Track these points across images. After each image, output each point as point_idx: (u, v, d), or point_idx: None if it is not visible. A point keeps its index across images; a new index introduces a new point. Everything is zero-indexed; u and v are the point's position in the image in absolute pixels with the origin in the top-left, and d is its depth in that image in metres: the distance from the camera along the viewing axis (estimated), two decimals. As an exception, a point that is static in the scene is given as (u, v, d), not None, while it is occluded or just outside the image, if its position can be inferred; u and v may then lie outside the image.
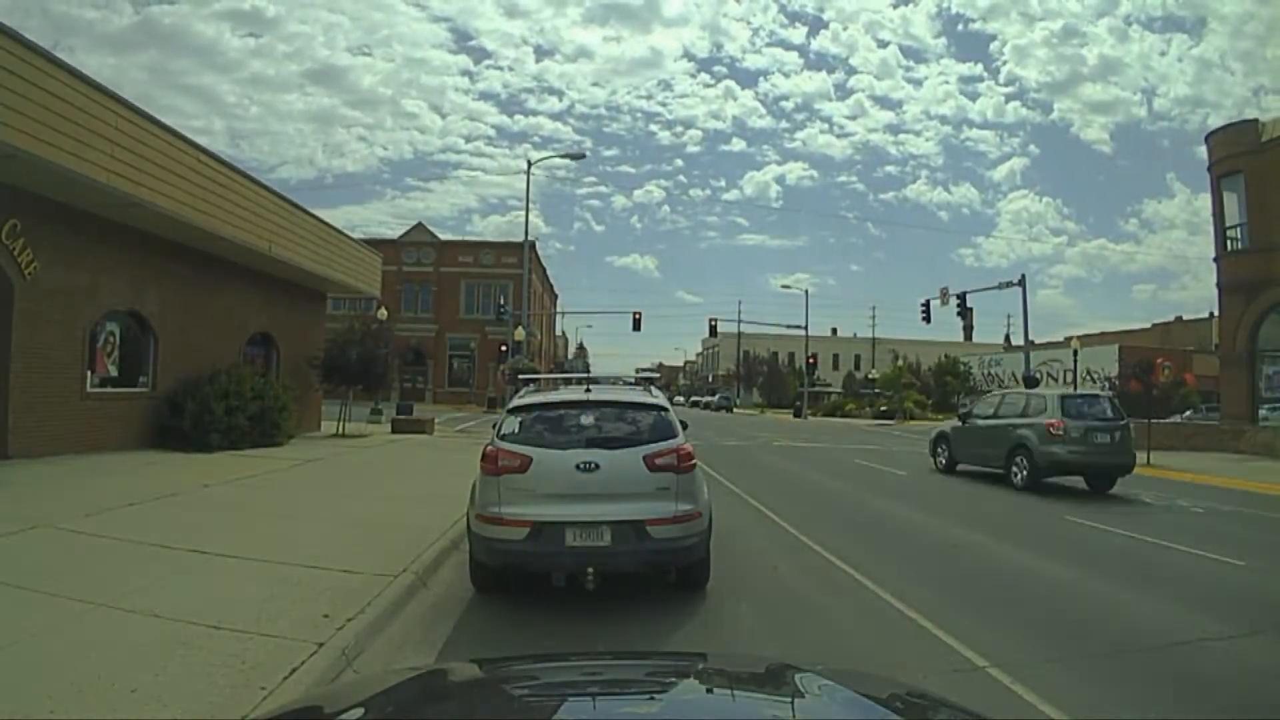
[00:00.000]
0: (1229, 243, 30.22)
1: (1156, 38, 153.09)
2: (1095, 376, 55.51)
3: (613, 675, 2.31)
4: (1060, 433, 16.29)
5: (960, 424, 20.35)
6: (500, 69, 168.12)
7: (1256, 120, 29.74)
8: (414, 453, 19.65)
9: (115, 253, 15.33)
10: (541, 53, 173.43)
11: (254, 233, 17.96)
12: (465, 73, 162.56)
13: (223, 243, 17.30)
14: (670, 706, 2.01)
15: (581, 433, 7.09)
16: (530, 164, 32.43)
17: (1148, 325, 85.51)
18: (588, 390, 7.74)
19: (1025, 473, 16.72)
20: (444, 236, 65.82)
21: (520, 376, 12.58)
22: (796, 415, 61.51)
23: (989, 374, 75.26)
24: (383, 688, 1.99)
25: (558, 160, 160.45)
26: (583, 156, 31.90)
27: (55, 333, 14.01)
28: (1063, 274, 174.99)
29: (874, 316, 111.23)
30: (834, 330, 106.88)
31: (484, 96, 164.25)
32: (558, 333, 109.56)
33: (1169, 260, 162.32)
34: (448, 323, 62.18)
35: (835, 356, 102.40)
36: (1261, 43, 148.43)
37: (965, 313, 39.92)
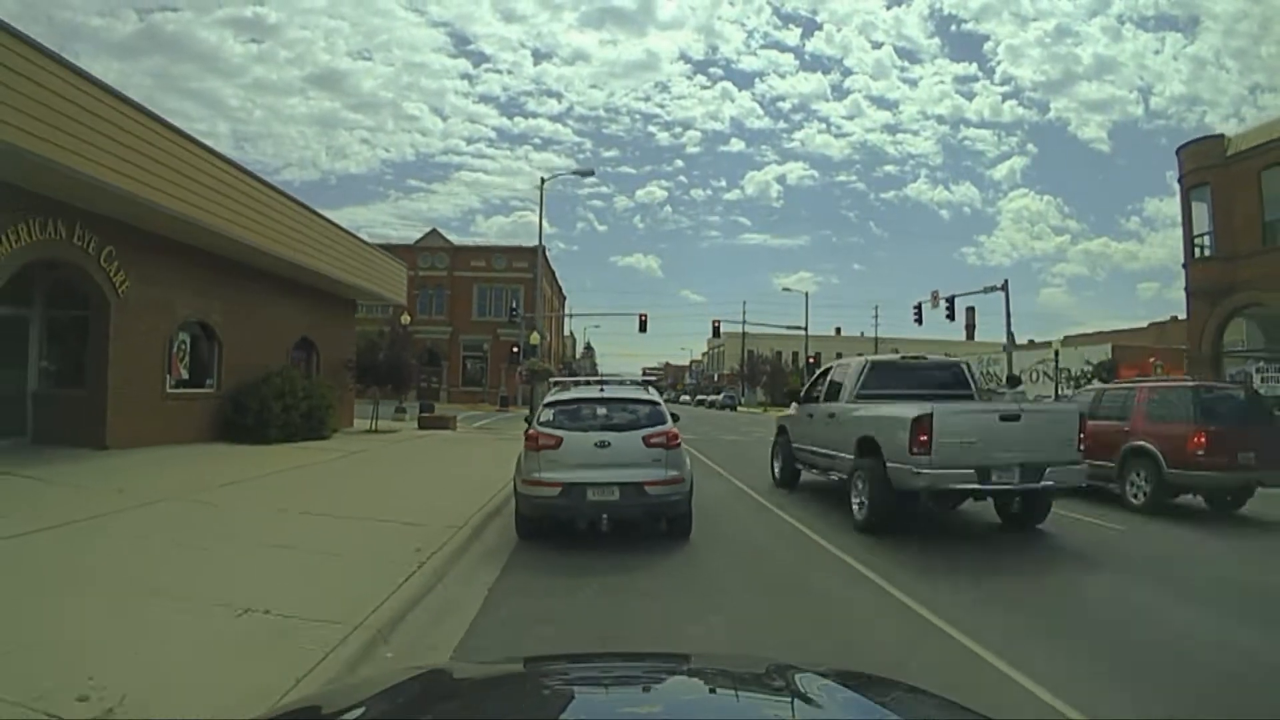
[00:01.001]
0: (1196, 250, 32.35)
1: (1150, 36, 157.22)
2: (1069, 374, 57.36)
3: (612, 675, 2.32)
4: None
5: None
6: (499, 72, 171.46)
7: (1223, 135, 31.85)
8: (444, 445, 21.98)
9: (186, 271, 17.60)
10: (539, 56, 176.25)
11: (299, 249, 20.28)
12: (465, 76, 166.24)
13: (271, 259, 19.55)
14: (670, 706, 2.05)
15: (597, 420, 9.97)
16: (543, 180, 34.70)
17: (1144, 324, 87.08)
18: (601, 389, 10.94)
19: None
20: (456, 242, 68.00)
21: (553, 381, 15.14)
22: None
23: (987, 373, 77.29)
24: (382, 688, 1.99)
25: (559, 161, 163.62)
26: (591, 173, 33.82)
27: (142, 342, 16.33)
28: (1066, 272, 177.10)
29: (876, 316, 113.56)
30: (838, 330, 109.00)
31: (484, 99, 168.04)
32: (565, 333, 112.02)
33: (1171, 258, 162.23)
34: (461, 325, 64.68)
35: (838, 355, 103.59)
36: (1255, 40, 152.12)
37: (953, 315, 41.95)
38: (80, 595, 6.01)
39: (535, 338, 33.49)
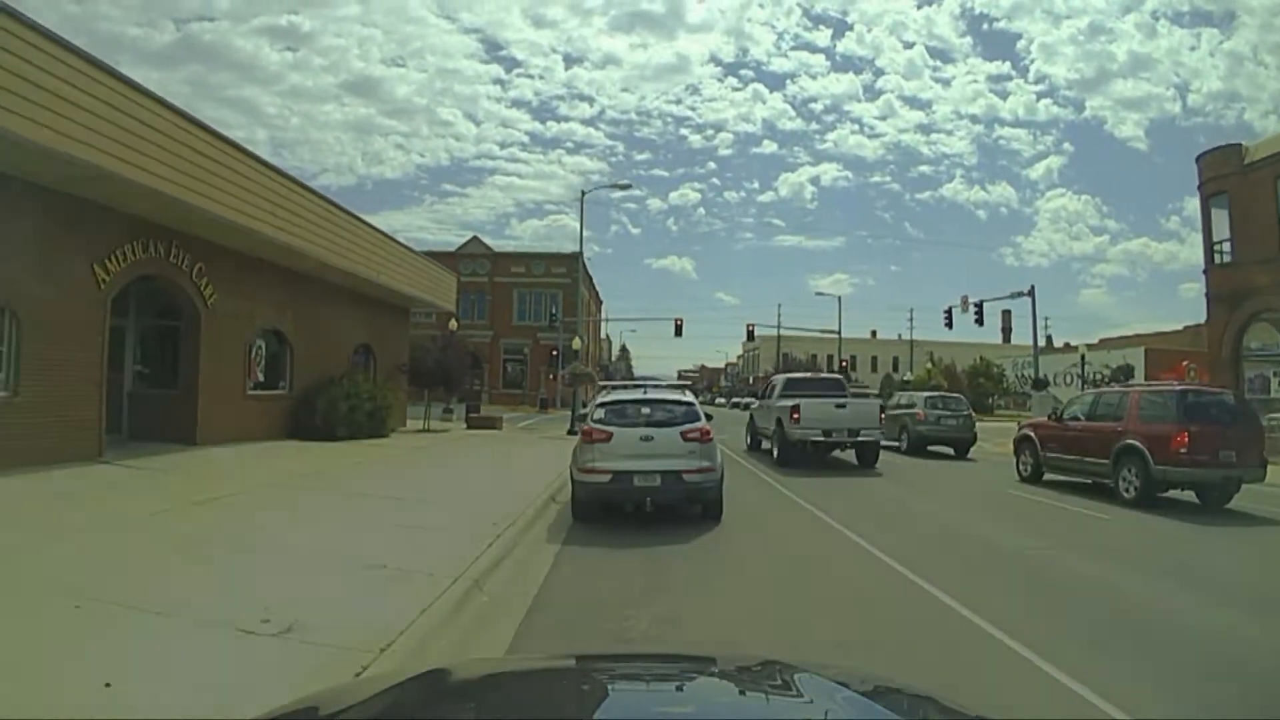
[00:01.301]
0: (1216, 256, 33.35)
1: (1185, 32, 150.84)
2: (1100, 377, 57.95)
3: (614, 676, 2.30)
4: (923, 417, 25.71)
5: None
6: (531, 77, 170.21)
7: (1241, 144, 32.84)
8: (495, 443, 23.77)
9: (263, 284, 19.42)
10: (570, 60, 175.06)
11: (361, 262, 22.10)
12: (497, 81, 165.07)
13: (338, 272, 21.37)
14: (671, 706, 2.07)
15: (641, 418, 11.65)
16: (584, 194, 36.32)
17: (1179, 327, 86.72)
18: (645, 392, 12.86)
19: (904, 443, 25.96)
20: (496, 248, 69.93)
21: (601, 384, 17.01)
22: None
23: (1021, 375, 77.73)
24: (383, 688, 1.99)
25: (591, 164, 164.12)
26: (629, 186, 35.29)
27: (227, 348, 18.18)
28: (1105, 273, 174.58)
29: (911, 319, 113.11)
30: (873, 333, 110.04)
31: (516, 104, 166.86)
32: (602, 336, 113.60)
33: None
34: (502, 329, 66.58)
35: (874, 359, 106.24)
36: None
37: (981, 320, 43.10)
38: (242, 554, 7.68)
39: (576, 343, 35.08)
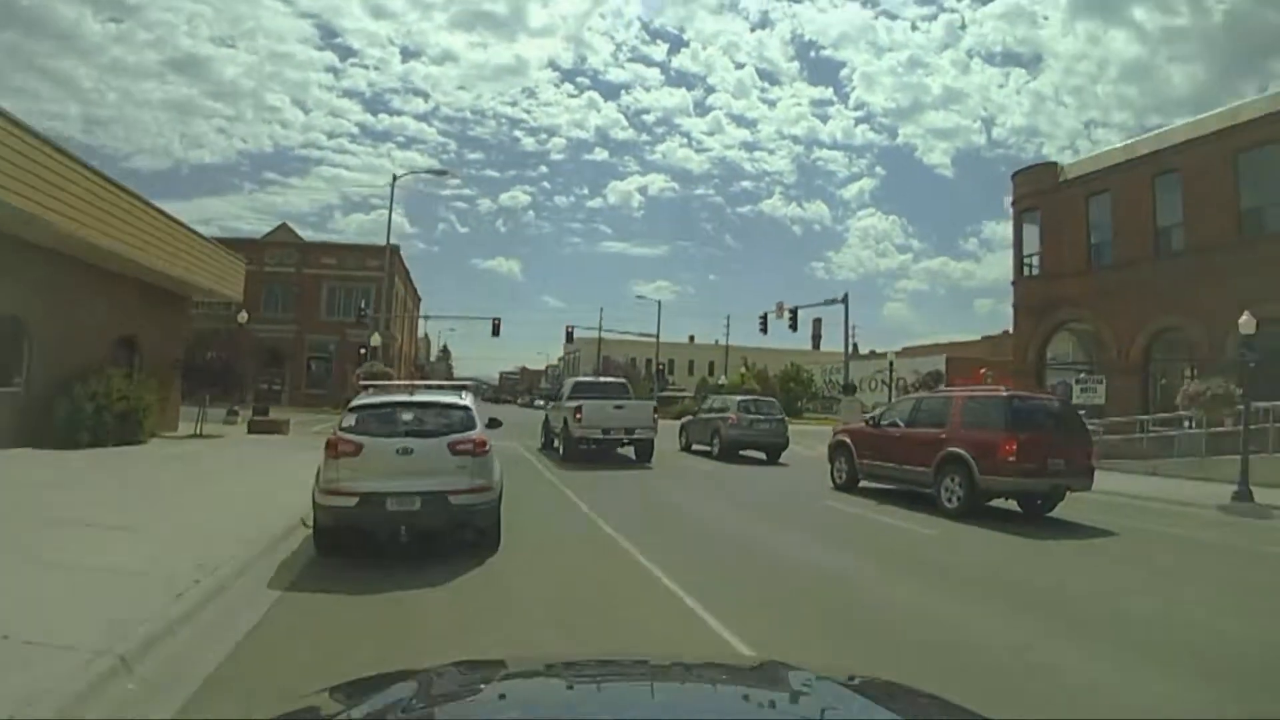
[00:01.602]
0: (1025, 269, 34.18)
1: (996, 71, 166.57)
2: (904, 383, 59.72)
3: (608, 677, 2.30)
4: (736, 421, 25.05)
5: (691, 418, 29.53)
6: (365, 68, 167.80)
7: (1056, 163, 33.82)
8: (268, 451, 20.65)
9: (-3, 262, 16.23)
10: (408, 54, 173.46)
11: (120, 238, 18.83)
12: (330, 69, 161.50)
13: (89, 247, 18.12)
14: (667, 707, 2.04)
15: (402, 425, 9.48)
16: (395, 178, 33.73)
17: (977, 337, 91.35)
18: (410, 393, 10.74)
19: (715, 448, 25.29)
20: (308, 237, 65.76)
21: (361, 383, 14.68)
22: None
23: (830, 380, 79.77)
24: (383, 687, 2.03)
25: (422, 160, 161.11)
26: (446, 174, 32.53)
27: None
28: (908, 288, 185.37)
29: (728, 325, 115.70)
30: (691, 338, 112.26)
31: (348, 94, 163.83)
32: (420, 335, 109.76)
33: (1005, 277, 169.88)
34: (308, 324, 62.34)
35: (691, 363, 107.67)
36: (1092, 80, 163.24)
37: (795, 326, 43.18)
38: None
39: (376, 339, 32.43)
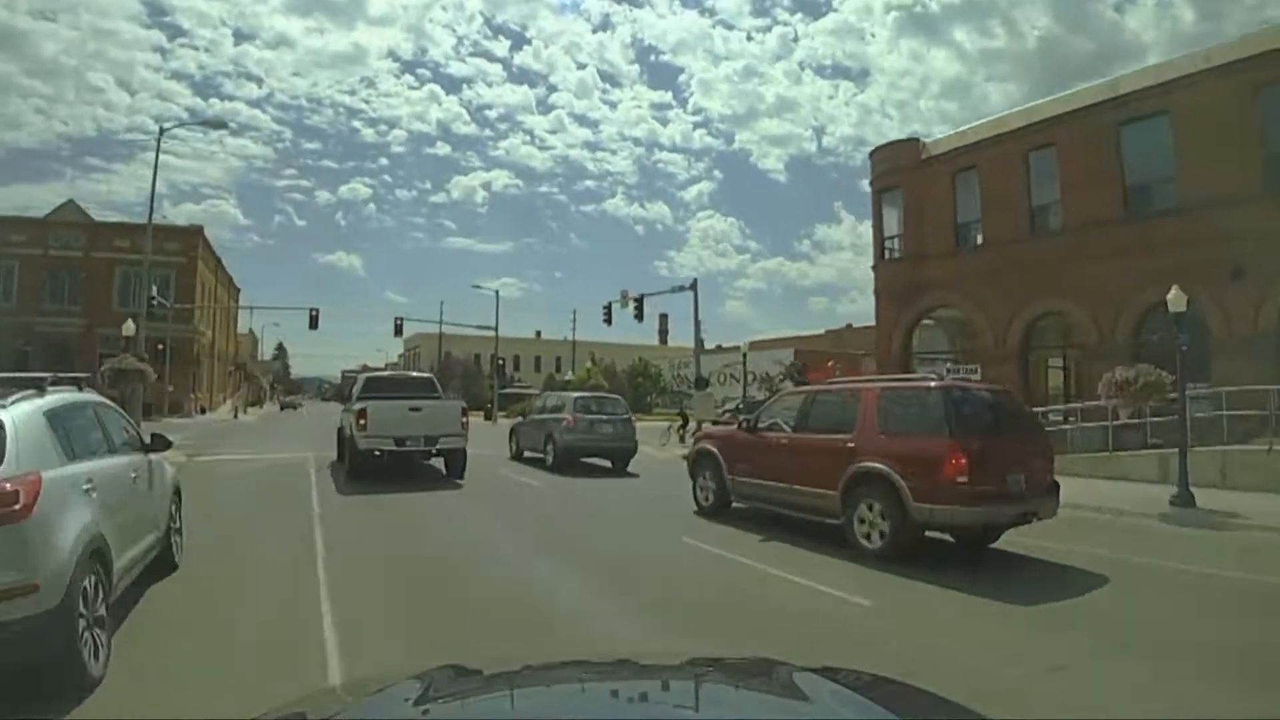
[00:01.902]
0: (886, 252, 31.71)
1: (826, 83, 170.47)
2: (755, 376, 57.59)
3: (609, 677, 2.31)
4: (573, 423, 21.04)
5: (522, 420, 25.36)
6: (196, 49, 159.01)
7: (918, 139, 31.45)
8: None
9: None
10: (241, 36, 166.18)
11: None
12: (158, 49, 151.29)
13: None
14: (667, 707, 2.09)
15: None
16: (161, 130, 28.38)
17: (821, 331, 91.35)
18: None
19: (550, 457, 21.24)
20: (97, 217, 58.13)
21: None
22: (487, 418, 59.86)
23: (679, 375, 77.44)
24: (379, 689, 2.06)
25: (255, 148, 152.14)
26: (225, 126, 27.56)
27: None
28: (746, 287, 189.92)
29: (574, 320, 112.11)
30: (538, 333, 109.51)
31: (177, 76, 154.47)
32: (244, 330, 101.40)
33: (838, 277, 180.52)
34: (100, 316, 55.00)
35: (538, 359, 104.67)
36: (915, 94, 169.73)
37: (641, 315, 39.73)
38: None
39: (129, 327, 27.23)
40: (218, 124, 31.39)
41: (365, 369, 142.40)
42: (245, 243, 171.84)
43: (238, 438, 32.70)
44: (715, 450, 13.38)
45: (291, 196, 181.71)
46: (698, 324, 37.31)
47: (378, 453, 16.98)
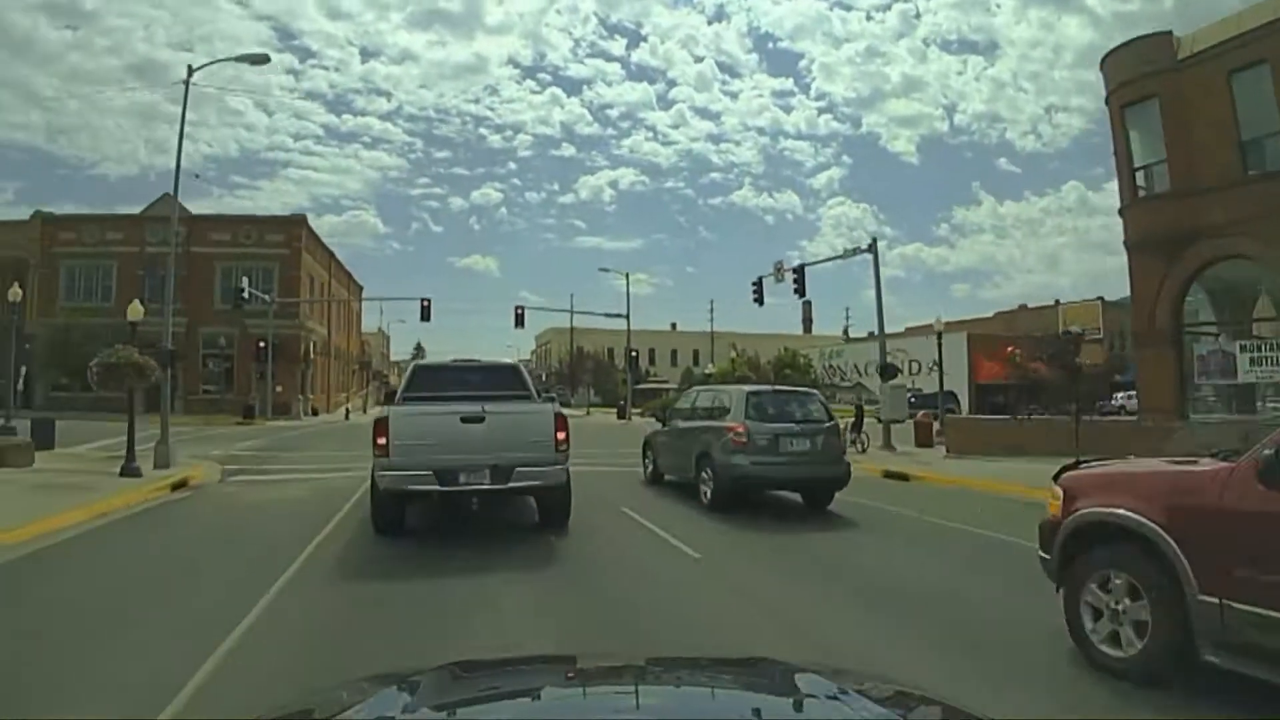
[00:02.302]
0: (1139, 189, 23.61)
1: (953, 59, 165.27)
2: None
3: (610, 677, 2.35)
4: (743, 439, 13.01)
5: (662, 428, 17.11)
6: (325, 69, 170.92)
7: (1170, 33, 23.11)
8: None
9: None
10: (367, 54, 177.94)
11: None
12: (290, 71, 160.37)
13: None
14: (668, 706, 2.03)
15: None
16: (190, 70, 22.47)
17: (989, 315, 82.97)
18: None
19: (711, 490, 13.34)
20: (195, 210, 54.29)
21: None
22: (620, 415, 53.37)
23: (830, 366, 69.59)
24: (379, 689, 2.05)
25: (389, 159, 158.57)
26: (265, 60, 22.25)
27: None
28: (884, 274, 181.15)
29: (712, 309, 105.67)
30: (673, 325, 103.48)
31: (310, 95, 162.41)
32: (373, 329, 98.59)
33: (980, 261, 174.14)
34: (200, 315, 51.21)
35: (674, 352, 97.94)
36: (1049, 65, 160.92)
37: (803, 289, 32.12)
38: None
39: (136, 310, 21.37)
40: (259, 59, 26.86)
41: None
42: (385, 250, 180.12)
43: (316, 447, 27.39)
44: (1149, 527, 5.20)
45: (427, 204, 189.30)
46: (880, 296, 29.29)
47: (401, 498, 10.39)
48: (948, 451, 25.22)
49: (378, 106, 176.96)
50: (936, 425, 28.86)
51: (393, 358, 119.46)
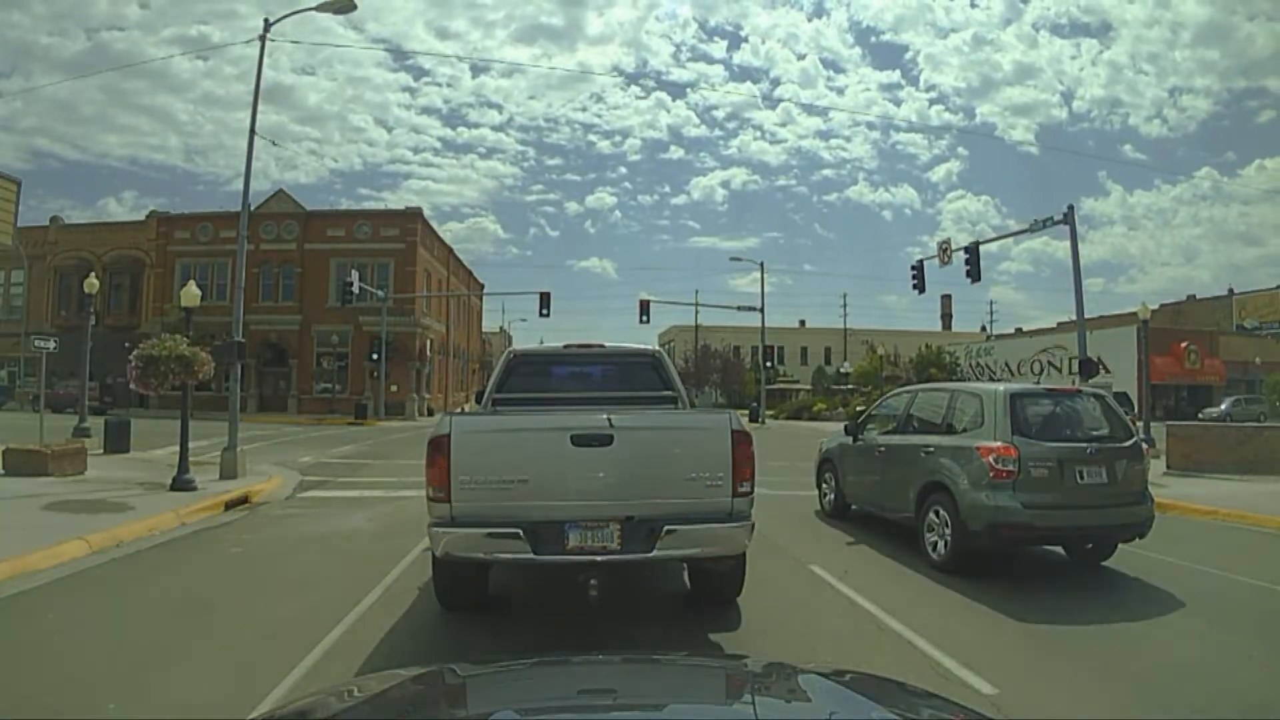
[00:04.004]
0: None
1: (1066, 43, 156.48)
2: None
3: (612, 677, 2.25)
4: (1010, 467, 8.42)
5: (850, 441, 12.07)
6: (439, 85, 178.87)
7: None
8: None
9: None
10: (477, 70, 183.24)
11: None
12: (406, 89, 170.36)
13: None
14: (670, 707, 2.01)
15: None
16: (267, 23, 19.24)
17: (1155, 307, 74.68)
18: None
19: (947, 541, 8.76)
20: (310, 206, 52.49)
21: None
22: (753, 419, 49.07)
23: (977, 364, 63.49)
24: (382, 688, 2.02)
25: (504, 169, 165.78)
26: (352, 8, 19.48)
27: None
28: (1011, 270, 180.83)
29: (845, 304, 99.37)
30: (802, 322, 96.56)
31: (427, 111, 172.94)
32: (495, 328, 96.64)
33: (1113, 254, 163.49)
34: (315, 313, 49.41)
35: (804, 350, 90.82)
36: (1168, 45, 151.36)
37: (978, 273, 27.32)
38: None
39: (190, 294, 17.92)
40: (344, 7, 23.94)
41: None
42: (506, 254, 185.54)
43: (412, 454, 24.27)
44: None
45: (543, 210, 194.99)
46: (1078, 272, 23.94)
47: (487, 561, 6.39)
48: (1168, 467, 20.35)
49: (490, 118, 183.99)
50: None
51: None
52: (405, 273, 50.36)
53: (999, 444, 8.44)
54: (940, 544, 8.78)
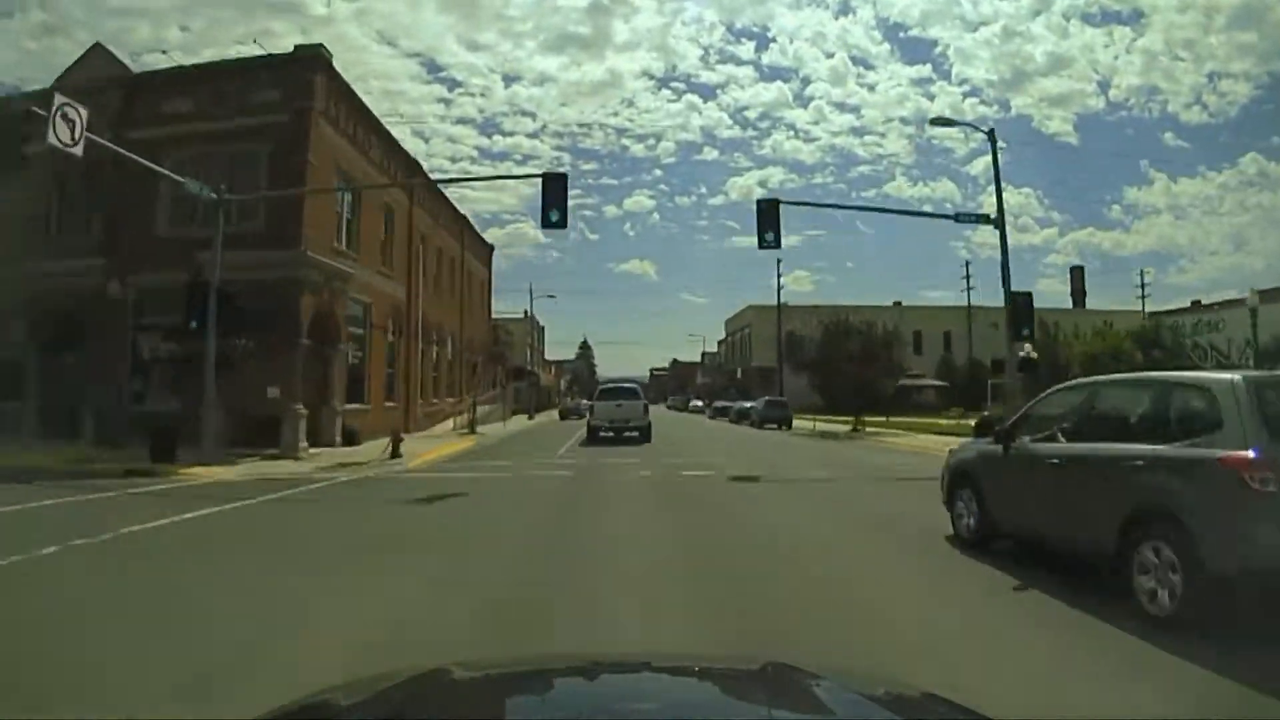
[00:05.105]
0: None
1: (1097, 31, 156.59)
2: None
3: (612, 676, 2.27)
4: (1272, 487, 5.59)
5: (999, 450, 9.11)
6: (473, 95, 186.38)
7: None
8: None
9: None
10: (509, 80, 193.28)
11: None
12: (441, 100, 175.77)
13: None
14: (670, 706, 2.00)
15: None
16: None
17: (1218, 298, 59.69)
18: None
19: (1173, 589, 6.04)
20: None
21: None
22: (854, 430, 38.98)
23: (1196, 344, 50.10)
24: (383, 688, 2.00)
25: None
26: None
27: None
28: (1058, 262, 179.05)
29: (968, 276, 78.87)
30: (897, 303, 79.23)
31: (462, 121, 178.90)
32: (520, 317, 77.91)
33: (1160, 243, 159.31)
34: (137, 252, 20.10)
35: (917, 335, 72.38)
36: (1203, 30, 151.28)
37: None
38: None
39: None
40: None
41: (675, 365, 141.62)
42: (546, 258, 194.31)
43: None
44: None
45: (581, 214, 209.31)
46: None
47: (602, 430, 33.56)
48: None
49: (524, 126, 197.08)
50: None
51: (547, 355, 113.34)
52: (289, 167, 25.65)
53: (1251, 453, 5.83)
54: (1162, 593, 6.18)
